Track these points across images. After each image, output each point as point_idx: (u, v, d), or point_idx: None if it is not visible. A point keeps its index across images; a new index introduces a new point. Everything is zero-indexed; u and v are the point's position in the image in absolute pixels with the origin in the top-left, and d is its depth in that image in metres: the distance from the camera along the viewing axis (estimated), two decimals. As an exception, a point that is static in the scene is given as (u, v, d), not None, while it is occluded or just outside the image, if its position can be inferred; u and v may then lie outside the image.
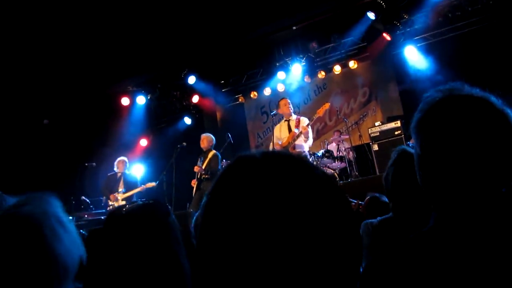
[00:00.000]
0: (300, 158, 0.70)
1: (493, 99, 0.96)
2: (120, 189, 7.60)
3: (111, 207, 7.52)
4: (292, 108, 6.73)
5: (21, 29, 7.29)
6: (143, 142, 11.00)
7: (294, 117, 6.59)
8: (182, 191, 7.18)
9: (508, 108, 0.95)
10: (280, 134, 6.50)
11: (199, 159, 7.14)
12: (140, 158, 10.65)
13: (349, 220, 0.67)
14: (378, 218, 1.88)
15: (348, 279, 0.65)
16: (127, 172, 7.80)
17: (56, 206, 1.11)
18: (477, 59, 7.60)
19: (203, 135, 7.29)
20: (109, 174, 7.85)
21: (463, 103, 0.95)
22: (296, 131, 6.37)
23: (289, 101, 6.71)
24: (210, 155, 7.04)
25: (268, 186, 0.64)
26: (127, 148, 10.29)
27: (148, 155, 10.66)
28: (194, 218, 2.41)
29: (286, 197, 0.63)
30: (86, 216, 7.81)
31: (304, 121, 6.46)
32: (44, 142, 9.60)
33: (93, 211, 8.03)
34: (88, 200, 8.06)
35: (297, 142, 6.31)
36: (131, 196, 7.50)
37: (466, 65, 7.58)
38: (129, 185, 7.60)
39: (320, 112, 6.43)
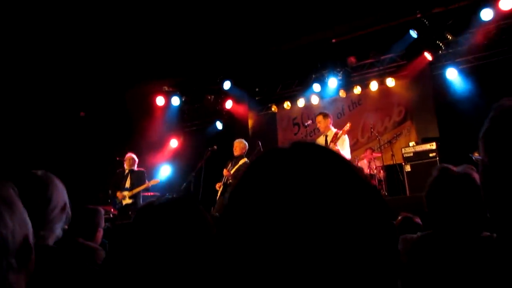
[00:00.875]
0: (331, 151, 0.67)
1: None
2: (126, 186, 7.62)
3: (118, 204, 7.58)
4: (332, 122, 6.66)
5: (65, 23, 7.52)
6: (174, 143, 11.11)
7: (333, 130, 6.49)
8: (208, 194, 7.18)
9: None
10: None
11: (230, 163, 7.12)
12: (169, 158, 10.77)
13: (383, 217, 0.62)
14: (419, 233, 1.80)
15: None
16: (134, 169, 7.76)
17: (5, 188, 1.11)
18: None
19: (237, 141, 7.26)
20: (117, 171, 7.89)
21: None
22: (336, 147, 6.26)
23: (323, 115, 6.63)
24: (241, 161, 7.01)
25: (296, 176, 0.61)
26: (157, 146, 10.43)
27: (177, 155, 10.77)
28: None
29: (315, 188, 0.60)
30: (112, 210, 7.91)
31: (344, 139, 6.35)
32: (79, 134, 9.83)
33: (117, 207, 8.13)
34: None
35: None
36: (138, 193, 7.51)
37: (510, 92, 7.32)
38: (136, 182, 7.57)
39: (344, 132, 6.31)
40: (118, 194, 7.55)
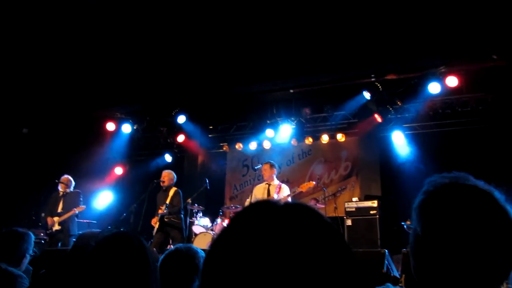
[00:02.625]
0: (310, 208, 0.71)
1: (497, 194, 0.97)
2: (58, 211, 7.23)
3: (49, 230, 7.17)
4: (276, 173, 6.83)
5: (16, 35, 7.26)
6: (118, 170, 10.79)
7: (276, 182, 6.70)
8: (147, 227, 6.96)
9: (509, 205, 0.96)
10: (260, 195, 6.52)
11: (159, 198, 7.05)
12: (111, 185, 10.40)
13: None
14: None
15: None
16: (69, 191, 7.43)
17: None
18: (460, 157, 7.85)
19: (165, 172, 7.24)
20: (52, 194, 7.49)
21: (468, 192, 0.97)
22: (275, 196, 6.39)
23: (270, 164, 6.80)
24: (171, 192, 7.01)
25: (277, 232, 0.64)
26: (101, 172, 10.06)
27: (121, 183, 10.43)
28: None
29: (295, 244, 0.63)
30: (42, 234, 7.43)
31: (285, 190, 6.56)
32: (20, 151, 9.32)
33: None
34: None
35: None
36: (69, 218, 7.16)
37: (449, 161, 7.80)
38: (68, 206, 7.24)
39: (304, 187, 6.57)
40: (49, 219, 7.18)
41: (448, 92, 8.05)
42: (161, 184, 7.07)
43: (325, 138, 9.84)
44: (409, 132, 9.15)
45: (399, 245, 5.95)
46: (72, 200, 7.27)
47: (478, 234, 0.89)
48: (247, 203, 6.81)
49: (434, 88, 7.72)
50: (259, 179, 9.84)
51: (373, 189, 9.15)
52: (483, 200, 0.94)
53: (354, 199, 8.23)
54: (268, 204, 0.70)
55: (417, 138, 8.98)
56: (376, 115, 8.95)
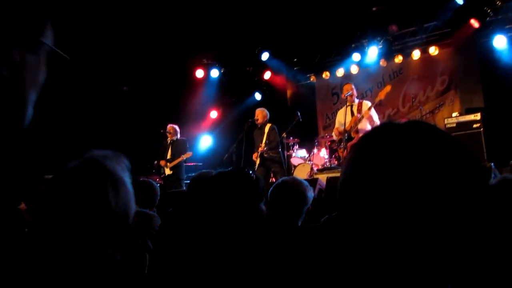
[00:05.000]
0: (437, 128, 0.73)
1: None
2: (168, 157, 7.87)
3: (162, 174, 7.88)
4: (356, 93, 6.68)
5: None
6: (214, 114, 11.34)
7: (356, 101, 6.56)
8: (249, 165, 7.37)
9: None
10: (342, 119, 6.45)
11: (255, 135, 7.30)
12: (209, 129, 11.03)
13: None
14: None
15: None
16: (176, 138, 7.95)
17: (123, 165, 1.17)
18: None
19: (258, 110, 7.40)
20: (162, 142, 8.11)
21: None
22: (359, 115, 6.33)
23: (352, 86, 6.65)
24: (267, 129, 7.20)
25: (410, 149, 0.67)
26: (198, 118, 10.67)
27: (217, 126, 10.99)
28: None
29: (426, 160, 0.66)
30: (157, 179, 8.27)
31: (367, 104, 6.40)
32: (123, 107, 10.17)
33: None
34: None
35: (360, 126, 6.29)
36: (178, 164, 7.74)
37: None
38: (176, 153, 7.79)
39: (382, 94, 6.33)
40: (162, 162, 7.87)
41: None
42: (256, 122, 7.32)
43: (416, 54, 9.27)
44: (513, 34, 8.27)
45: (506, 157, 5.66)
46: (179, 147, 7.84)
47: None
48: (334, 130, 6.87)
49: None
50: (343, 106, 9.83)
51: (475, 101, 8.57)
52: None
53: (454, 114, 7.84)
54: (389, 125, 0.73)
55: (523, 39, 8.10)
56: (472, 20, 8.19)
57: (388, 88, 6.43)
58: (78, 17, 7.87)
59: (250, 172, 1.69)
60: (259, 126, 7.33)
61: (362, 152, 0.73)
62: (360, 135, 6.17)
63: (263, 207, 1.74)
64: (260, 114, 7.34)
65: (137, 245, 2.89)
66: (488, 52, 8.38)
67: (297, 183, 2.47)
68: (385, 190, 0.66)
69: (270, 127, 7.24)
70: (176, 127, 8.04)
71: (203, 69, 10.57)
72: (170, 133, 7.95)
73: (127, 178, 1.16)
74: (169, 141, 7.98)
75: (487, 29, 8.39)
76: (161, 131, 8.14)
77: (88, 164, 1.12)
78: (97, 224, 1.06)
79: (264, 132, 7.23)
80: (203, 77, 10.65)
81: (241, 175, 1.63)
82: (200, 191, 1.63)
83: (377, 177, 0.68)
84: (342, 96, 6.86)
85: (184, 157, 7.76)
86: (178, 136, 8.00)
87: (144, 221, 3.06)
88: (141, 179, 3.62)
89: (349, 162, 0.74)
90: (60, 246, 1.04)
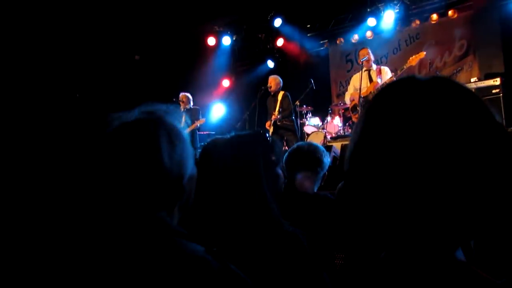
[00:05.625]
0: (467, 89, 0.68)
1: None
2: (181, 125, 7.81)
3: None
4: (373, 58, 6.49)
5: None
6: (226, 83, 11.23)
7: (374, 67, 6.37)
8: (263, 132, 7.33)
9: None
10: (358, 84, 6.27)
11: (269, 103, 7.22)
12: (222, 97, 10.95)
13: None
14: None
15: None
16: (189, 107, 7.89)
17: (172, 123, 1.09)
18: None
19: (271, 77, 7.30)
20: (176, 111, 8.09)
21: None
22: (379, 81, 6.16)
23: (369, 50, 6.45)
24: (280, 97, 7.13)
25: (431, 106, 0.63)
26: (210, 86, 10.58)
27: (230, 94, 10.91)
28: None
29: (447, 117, 0.62)
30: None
31: (387, 71, 6.22)
32: (135, 76, 10.13)
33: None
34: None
35: None
36: (191, 132, 7.64)
37: None
38: (190, 121, 7.69)
39: (413, 61, 6.12)
40: None
41: None
42: (269, 89, 7.23)
43: (434, 18, 8.98)
44: (537, -5, 7.92)
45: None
46: (192, 115, 7.79)
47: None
48: (346, 96, 6.73)
49: None
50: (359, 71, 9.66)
51: (495, 66, 8.31)
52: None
53: (472, 79, 7.61)
54: (412, 79, 0.68)
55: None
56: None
57: (422, 54, 6.24)
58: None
59: (267, 134, 1.64)
60: (272, 93, 7.25)
61: (379, 108, 0.68)
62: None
63: (280, 172, 1.69)
64: (273, 81, 7.25)
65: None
66: (509, 15, 8.06)
67: (313, 148, 2.42)
68: (405, 150, 0.62)
69: (283, 94, 7.16)
70: (189, 95, 7.98)
71: (214, 36, 10.41)
72: (183, 101, 7.90)
73: (185, 135, 1.08)
74: (182, 110, 7.94)
75: (509, -9, 8.04)
76: (173, 99, 8.09)
77: (143, 116, 1.05)
78: (146, 182, 0.95)
79: (277, 100, 7.16)
80: (214, 45, 10.50)
81: (257, 137, 1.58)
82: (214, 154, 1.56)
83: (396, 135, 0.63)
84: (359, 61, 6.69)
85: (198, 123, 7.73)
86: (191, 104, 7.95)
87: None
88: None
89: (365, 117, 0.69)
90: (103, 207, 0.96)
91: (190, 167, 1.06)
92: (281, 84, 7.28)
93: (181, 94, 7.96)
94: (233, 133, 1.67)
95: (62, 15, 8.14)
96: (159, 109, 1.06)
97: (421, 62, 9.29)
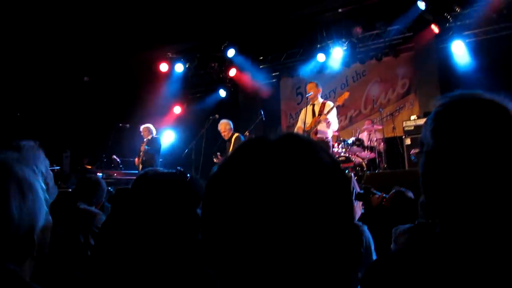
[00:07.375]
0: (307, 143, 0.68)
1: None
2: (141, 154, 7.75)
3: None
4: (320, 92, 6.62)
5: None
6: (177, 109, 11.17)
7: (320, 100, 6.48)
8: (208, 162, 7.30)
9: None
10: (305, 118, 6.40)
11: (226, 147, 7.25)
12: (172, 124, 10.85)
13: (349, 216, 0.67)
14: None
15: (343, 276, 0.65)
16: (149, 138, 7.85)
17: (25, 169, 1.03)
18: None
19: (220, 124, 7.30)
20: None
21: (472, 105, 0.90)
22: (319, 117, 6.30)
23: (316, 84, 6.58)
24: (233, 140, 7.15)
25: (269, 170, 0.62)
26: (160, 113, 10.48)
27: (180, 122, 10.83)
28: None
29: (286, 184, 0.61)
30: (115, 174, 8.07)
31: (329, 105, 6.34)
32: (83, 99, 9.89)
33: (123, 171, 8.27)
34: (118, 160, 8.28)
35: (319, 128, 6.23)
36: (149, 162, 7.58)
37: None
38: (151, 150, 7.73)
39: (340, 100, 6.32)
40: (136, 160, 7.84)
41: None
42: (223, 136, 7.27)
43: (379, 57, 9.45)
44: (471, 40, 8.52)
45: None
46: (151, 143, 7.76)
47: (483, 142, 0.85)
48: (296, 129, 6.83)
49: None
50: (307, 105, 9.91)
51: (433, 105, 8.78)
52: (487, 110, 0.88)
53: (412, 117, 7.99)
54: (260, 140, 0.68)
55: (479, 45, 8.35)
56: (433, 26, 8.39)
57: (346, 94, 6.43)
58: (39, 7, 7.57)
59: (187, 175, 1.62)
60: (226, 139, 7.27)
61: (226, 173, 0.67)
62: (319, 136, 6.22)
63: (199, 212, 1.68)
64: (223, 127, 7.26)
65: (78, 243, 2.79)
66: (447, 57, 8.61)
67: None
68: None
69: (235, 137, 7.17)
70: (150, 126, 7.95)
71: (167, 63, 10.38)
72: (144, 134, 7.86)
73: (38, 184, 1.02)
74: (144, 140, 7.83)
75: (447, 35, 8.61)
76: (120, 125, 7.94)
77: None
78: None
79: (231, 143, 7.16)
80: (167, 71, 10.46)
81: (175, 177, 1.57)
82: (133, 190, 1.54)
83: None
84: (304, 95, 6.84)
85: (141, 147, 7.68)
86: (154, 134, 7.93)
87: (87, 218, 2.95)
88: (87, 175, 3.47)
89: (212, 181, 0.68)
90: None
91: (43, 218, 1.02)
92: (232, 126, 7.31)
93: (142, 127, 7.89)
94: (161, 169, 1.66)
95: (13, 31, 7.89)
96: (10, 157, 1.01)
97: (366, 98, 9.72)
